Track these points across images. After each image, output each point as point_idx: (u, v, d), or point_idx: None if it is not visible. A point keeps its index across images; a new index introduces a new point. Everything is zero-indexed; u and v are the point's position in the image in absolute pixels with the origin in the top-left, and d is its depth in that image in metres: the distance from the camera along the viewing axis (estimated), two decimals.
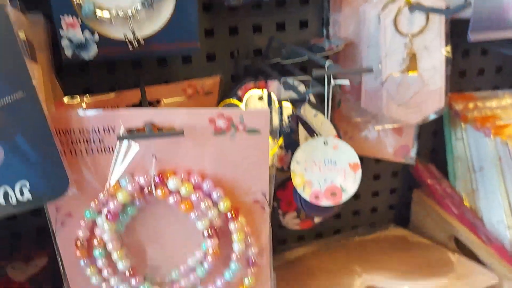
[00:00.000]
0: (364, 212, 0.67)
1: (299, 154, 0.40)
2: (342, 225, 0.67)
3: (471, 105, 0.58)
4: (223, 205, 0.38)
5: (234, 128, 0.37)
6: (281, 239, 0.67)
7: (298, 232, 0.66)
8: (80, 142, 0.35)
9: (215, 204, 0.38)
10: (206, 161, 0.37)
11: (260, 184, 0.39)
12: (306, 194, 0.40)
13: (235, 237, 0.39)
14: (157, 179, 0.35)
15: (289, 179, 0.45)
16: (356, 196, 0.66)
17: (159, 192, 0.36)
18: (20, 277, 0.52)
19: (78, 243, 0.38)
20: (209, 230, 0.38)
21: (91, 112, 0.35)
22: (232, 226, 0.38)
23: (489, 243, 0.55)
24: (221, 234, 0.39)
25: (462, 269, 0.52)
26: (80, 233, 0.38)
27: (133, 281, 0.39)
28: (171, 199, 0.36)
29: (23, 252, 0.55)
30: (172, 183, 0.36)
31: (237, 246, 0.39)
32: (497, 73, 0.64)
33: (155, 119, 0.35)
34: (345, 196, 0.40)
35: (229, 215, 0.38)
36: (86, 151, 0.36)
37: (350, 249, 0.55)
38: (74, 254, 0.38)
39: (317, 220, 0.50)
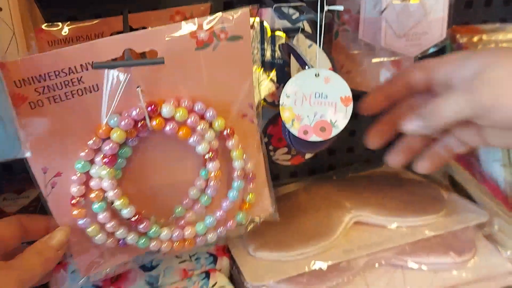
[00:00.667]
0: (359, 149, 0.66)
1: (289, 87, 0.38)
2: (336, 162, 0.66)
3: (475, 38, 0.55)
4: (218, 124, 0.36)
5: (217, 39, 0.34)
6: (273, 175, 0.66)
7: (291, 168, 0.66)
8: (57, 87, 0.31)
9: (210, 125, 0.36)
10: (191, 82, 0.35)
11: (246, 96, 0.38)
12: (295, 129, 0.38)
13: (234, 154, 0.38)
14: (149, 109, 0.33)
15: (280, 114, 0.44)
16: (351, 132, 0.65)
17: (154, 122, 0.34)
18: (11, 208, 0.52)
19: (74, 201, 0.35)
20: (210, 153, 0.37)
21: (64, 49, 0.31)
22: (230, 143, 0.38)
23: (483, 182, 0.54)
24: (221, 159, 0.39)
25: (453, 206, 0.51)
26: (74, 189, 0.34)
27: (140, 227, 0.37)
28: (167, 128, 0.34)
29: (14, 185, 0.55)
30: (165, 110, 0.34)
31: (237, 163, 0.39)
32: (506, 5, 0.61)
33: (134, 45, 0.33)
34: (335, 131, 0.38)
35: (225, 133, 0.37)
36: (66, 95, 0.32)
37: (342, 185, 0.54)
38: (71, 217, 0.35)
39: (308, 156, 0.49)
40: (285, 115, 0.38)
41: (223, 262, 0.48)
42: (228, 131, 0.38)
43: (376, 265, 0.46)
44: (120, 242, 0.37)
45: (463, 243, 0.47)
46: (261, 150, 0.41)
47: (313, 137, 0.39)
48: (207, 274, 0.45)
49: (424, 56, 0.48)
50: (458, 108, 0.36)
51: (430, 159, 0.42)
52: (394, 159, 0.42)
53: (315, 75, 0.39)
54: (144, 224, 0.37)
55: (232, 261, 0.48)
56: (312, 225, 0.49)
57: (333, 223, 0.49)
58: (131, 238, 0.37)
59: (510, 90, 0.34)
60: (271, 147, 0.47)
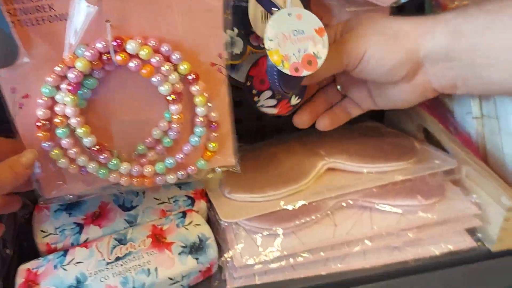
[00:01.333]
0: None
1: (269, 31, 0.40)
2: None
3: None
4: (183, 67, 0.38)
5: None
6: (260, 135, 0.68)
7: (276, 125, 0.67)
8: (29, 11, 0.33)
9: (175, 67, 0.38)
10: (160, 25, 0.37)
11: (215, 45, 0.39)
12: (287, 69, 0.40)
13: (197, 100, 0.40)
14: (115, 43, 0.35)
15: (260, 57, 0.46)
16: None
17: (118, 57, 0.36)
18: None
19: (39, 124, 0.37)
20: (173, 95, 0.38)
21: None
22: (193, 88, 0.39)
23: (456, 134, 0.56)
24: (184, 103, 0.40)
25: (424, 154, 0.53)
26: (40, 113, 0.37)
27: (101, 158, 0.40)
28: (131, 64, 0.36)
29: None
30: (130, 46, 0.36)
31: (200, 109, 0.40)
32: None
33: None
34: (320, 62, 0.40)
35: (189, 77, 0.39)
36: (37, 20, 0.34)
37: (319, 136, 0.56)
38: (36, 137, 0.38)
39: (294, 101, 0.49)
40: (274, 58, 0.40)
41: (201, 204, 0.50)
42: (193, 76, 0.39)
43: (344, 205, 0.48)
44: (82, 169, 0.40)
45: (431, 187, 0.49)
46: (228, 102, 0.43)
47: (304, 72, 0.40)
48: (184, 214, 0.47)
49: (398, 6, 0.50)
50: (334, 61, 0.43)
51: (329, 117, 0.50)
52: (301, 119, 0.50)
53: (288, 15, 0.40)
54: (105, 155, 0.39)
55: (209, 204, 0.50)
56: (285, 170, 0.51)
57: (306, 169, 0.51)
58: (91, 167, 0.39)
59: (374, 46, 0.42)
60: (254, 91, 0.48)
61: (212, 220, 0.49)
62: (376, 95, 0.48)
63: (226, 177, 0.51)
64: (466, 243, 0.48)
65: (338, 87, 0.51)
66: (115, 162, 0.40)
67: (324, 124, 0.50)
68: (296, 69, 0.40)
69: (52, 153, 0.38)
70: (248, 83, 0.47)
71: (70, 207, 0.48)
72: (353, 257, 0.46)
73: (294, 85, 0.44)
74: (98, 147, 0.39)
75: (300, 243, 0.45)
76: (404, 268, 0.46)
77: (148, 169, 0.42)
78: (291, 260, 0.45)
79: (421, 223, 0.47)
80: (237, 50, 0.47)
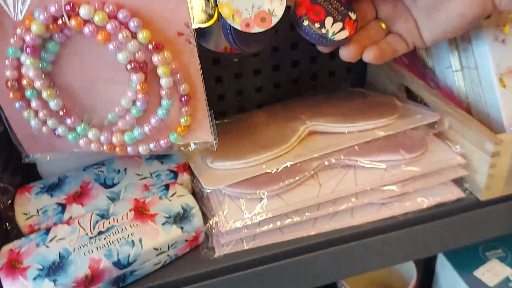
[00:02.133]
0: (322, 76, 0.68)
1: None
2: (300, 90, 0.67)
3: None
4: (142, 35, 0.37)
5: None
6: (240, 107, 0.67)
7: (257, 100, 0.67)
8: None
9: (134, 35, 0.37)
10: None
11: (182, 13, 0.38)
12: (237, 24, 0.39)
13: (160, 71, 0.39)
14: (68, 7, 0.35)
15: None
16: (312, 60, 0.66)
17: (73, 22, 0.35)
18: None
19: (9, 84, 0.38)
20: (132, 64, 0.38)
21: None
22: (155, 59, 0.38)
23: (438, 89, 0.55)
24: (150, 72, 0.40)
25: (406, 111, 0.52)
26: (8, 73, 0.38)
27: (68, 122, 0.40)
28: (86, 29, 0.36)
29: None
30: (83, 11, 0.35)
31: (164, 81, 0.40)
32: None
33: None
34: (275, 20, 0.39)
35: (150, 47, 0.38)
36: None
37: (301, 102, 0.56)
38: (9, 97, 0.39)
39: (353, 16, 0.46)
40: (225, 11, 0.39)
41: (184, 177, 0.49)
42: (153, 45, 0.38)
43: (328, 164, 0.47)
44: (56, 132, 0.40)
45: (414, 142, 0.48)
46: (199, 74, 0.41)
47: (255, 29, 0.39)
48: (167, 186, 0.47)
49: None
50: None
51: (378, 48, 0.45)
52: (349, 50, 0.45)
53: None
54: (72, 119, 0.39)
55: (193, 176, 0.50)
56: (266, 136, 0.50)
57: (287, 133, 0.50)
58: (61, 130, 0.40)
59: None
60: (317, 25, 0.43)
61: (196, 192, 0.48)
62: (423, 27, 0.45)
63: (208, 148, 0.51)
64: (454, 194, 0.47)
65: (382, 24, 0.47)
66: (83, 126, 0.40)
67: (373, 53, 0.45)
68: (247, 25, 0.39)
69: (25, 113, 0.39)
70: (306, 22, 0.42)
71: (51, 188, 0.48)
72: (340, 216, 0.46)
73: (251, 41, 0.43)
74: (65, 110, 0.39)
75: (285, 205, 0.44)
76: (392, 224, 0.46)
77: (116, 138, 0.41)
78: (278, 223, 0.44)
79: (406, 176, 0.46)
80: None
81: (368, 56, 0.45)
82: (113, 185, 0.48)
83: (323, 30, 0.43)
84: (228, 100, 0.65)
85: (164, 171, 0.49)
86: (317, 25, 0.43)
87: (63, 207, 0.46)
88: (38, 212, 0.45)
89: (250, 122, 0.55)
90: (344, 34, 0.43)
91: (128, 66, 0.38)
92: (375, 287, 0.58)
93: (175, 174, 0.49)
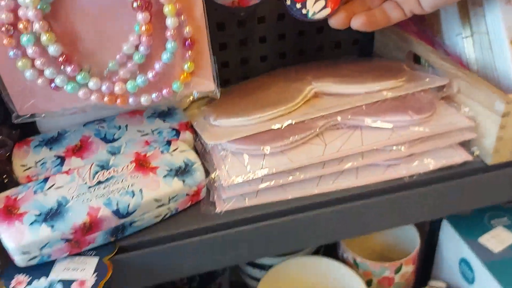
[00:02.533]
0: (328, 47, 0.66)
1: None
2: (305, 61, 0.66)
3: None
4: None
5: None
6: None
7: (262, 68, 0.66)
8: None
9: None
10: None
11: None
12: None
13: (166, 10, 0.38)
14: None
15: None
16: (319, 30, 0.65)
17: None
18: None
19: (3, 29, 0.36)
20: (138, 1, 0.37)
21: None
22: None
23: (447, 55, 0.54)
24: (154, 14, 0.39)
25: (414, 75, 0.51)
26: (3, 16, 0.35)
27: (68, 70, 0.39)
28: None
29: None
30: None
31: (170, 20, 0.38)
32: None
33: None
34: None
35: None
36: None
37: (307, 65, 0.55)
38: (2, 46, 0.36)
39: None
40: None
41: (186, 135, 0.48)
42: None
43: (334, 123, 0.46)
44: (52, 84, 0.38)
45: (422, 104, 0.47)
46: (203, 18, 0.41)
47: None
48: (169, 142, 0.46)
49: None
50: None
51: (366, 15, 0.45)
52: (338, 18, 0.45)
53: None
54: (72, 66, 0.38)
55: (195, 135, 0.49)
56: (272, 96, 0.49)
57: (293, 93, 0.49)
58: (60, 80, 0.38)
59: None
60: (298, 5, 0.45)
61: (199, 151, 0.47)
62: None
63: (211, 106, 0.50)
64: (461, 157, 0.46)
65: None
66: (83, 74, 0.39)
67: (360, 21, 0.45)
68: None
69: (19, 63, 0.37)
70: (288, 2, 0.44)
71: (51, 142, 0.47)
72: (345, 177, 0.45)
73: None
74: (64, 57, 0.37)
75: (289, 161, 0.43)
76: (398, 185, 0.45)
77: (119, 86, 0.40)
78: (281, 180, 0.43)
79: (413, 137, 0.45)
80: None
81: (355, 24, 0.45)
82: (114, 140, 0.47)
83: (304, 11, 0.44)
84: (232, 68, 0.64)
85: (166, 128, 0.48)
86: (298, 5, 0.44)
87: (62, 159, 0.45)
88: (36, 164, 0.44)
89: (255, 83, 0.54)
90: (326, 12, 0.45)
91: (134, 4, 0.36)
92: (378, 256, 0.57)
93: (177, 132, 0.48)
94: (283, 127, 0.45)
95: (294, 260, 0.57)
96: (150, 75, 0.40)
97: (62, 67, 0.39)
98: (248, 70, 0.66)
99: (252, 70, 0.66)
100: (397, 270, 0.54)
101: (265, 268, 0.57)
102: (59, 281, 0.37)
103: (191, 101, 0.54)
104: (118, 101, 0.42)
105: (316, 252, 0.60)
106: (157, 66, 0.40)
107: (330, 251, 0.62)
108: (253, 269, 0.59)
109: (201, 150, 0.47)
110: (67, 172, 0.42)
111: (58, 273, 0.38)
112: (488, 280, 0.49)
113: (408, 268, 0.55)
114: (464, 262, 0.53)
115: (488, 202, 0.48)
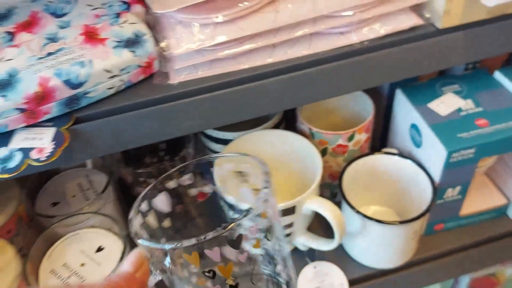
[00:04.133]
0: None
1: None
2: None
3: None
4: None
5: None
6: None
7: None
8: None
9: None
10: None
11: None
12: None
13: None
14: None
15: None
16: None
17: None
18: None
19: None
20: None
21: None
22: None
23: None
24: None
25: None
26: None
27: None
28: None
29: None
30: None
31: None
32: None
33: None
34: None
35: None
36: None
37: None
38: None
39: None
40: None
41: (137, 8, 0.47)
42: None
43: None
44: None
45: None
46: None
47: None
48: (118, 14, 0.45)
49: None
50: None
51: None
52: None
53: None
54: None
55: (147, 8, 0.48)
56: None
57: None
58: None
59: None
60: None
61: (150, 24, 0.47)
62: None
63: None
64: (412, 21, 0.46)
65: None
66: None
67: None
68: None
69: None
70: None
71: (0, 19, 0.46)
72: (298, 45, 0.45)
73: None
74: None
75: (240, 30, 0.43)
76: (351, 51, 0.46)
77: None
78: (233, 50, 0.43)
79: (364, 1, 0.45)
80: None
81: None
82: (63, 14, 0.46)
83: None
84: None
85: (116, 2, 0.47)
86: None
87: (11, 35, 0.44)
88: None
89: None
90: None
91: None
92: (334, 127, 0.59)
93: (128, 5, 0.47)
94: None
95: (253, 133, 0.59)
96: None
97: None
98: None
99: None
100: (350, 138, 0.57)
101: (226, 143, 0.59)
102: (19, 149, 0.39)
103: None
104: None
105: (277, 126, 0.62)
106: None
107: (290, 126, 0.64)
108: (216, 144, 0.61)
109: (152, 23, 0.46)
110: (16, 46, 0.42)
111: (17, 142, 0.40)
112: (433, 142, 0.52)
113: (361, 136, 0.58)
114: (413, 127, 0.55)
115: (441, 66, 0.49)
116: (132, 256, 0.30)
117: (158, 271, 0.28)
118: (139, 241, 0.28)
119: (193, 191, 0.34)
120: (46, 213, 0.56)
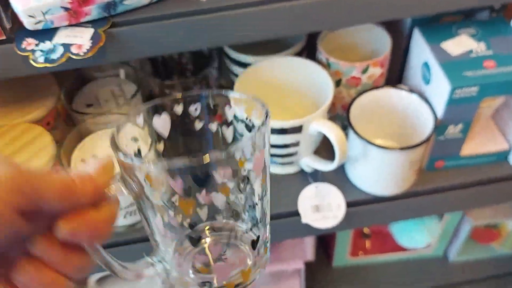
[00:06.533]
0: None
1: None
2: None
3: None
4: None
5: None
6: None
7: None
8: None
9: None
10: None
11: None
12: None
13: None
14: None
15: None
16: None
17: None
18: None
19: None
20: None
21: None
22: None
23: None
24: None
25: None
26: None
27: None
28: None
29: None
30: None
31: None
32: None
33: None
34: None
35: None
36: None
37: None
38: None
39: None
40: None
41: None
42: None
43: None
44: None
45: None
46: None
47: None
48: None
49: None
50: None
51: None
52: None
53: None
54: None
55: None
56: None
57: None
58: None
59: None
60: None
61: None
62: None
63: None
64: None
65: None
66: None
67: None
68: None
69: None
70: None
71: None
72: None
73: None
74: None
75: None
76: None
77: None
78: None
79: None
80: None
81: None
82: None
83: None
84: None
85: None
86: None
87: None
88: None
89: None
90: None
91: None
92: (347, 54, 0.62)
93: None
94: None
95: (271, 60, 0.63)
96: None
97: None
98: None
99: None
100: (364, 71, 0.60)
101: (247, 67, 0.63)
102: (61, 44, 0.44)
103: None
104: None
105: (299, 54, 0.66)
106: None
107: (312, 55, 0.67)
108: (239, 68, 0.65)
109: None
110: None
111: (60, 38, 0.45)
112: (440, 79, 0.55)
113: (375, 70, 0.61)
114: (425, 65, 0.58)
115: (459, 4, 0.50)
116: (98, 162, 0.28)
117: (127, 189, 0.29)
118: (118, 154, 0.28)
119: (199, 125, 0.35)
120: (81, 111, 0.63)
